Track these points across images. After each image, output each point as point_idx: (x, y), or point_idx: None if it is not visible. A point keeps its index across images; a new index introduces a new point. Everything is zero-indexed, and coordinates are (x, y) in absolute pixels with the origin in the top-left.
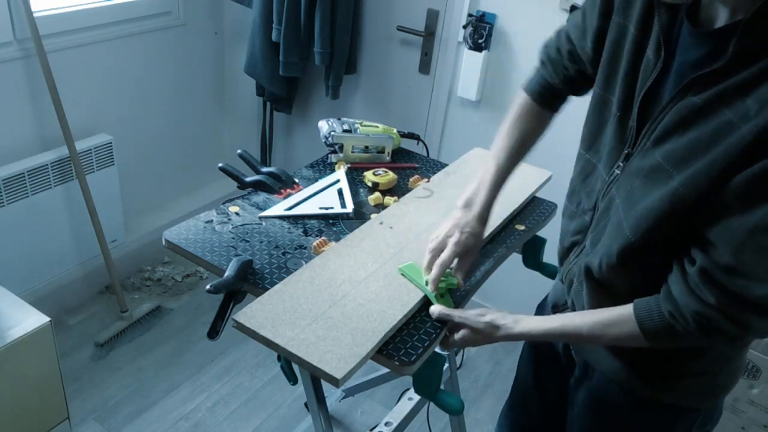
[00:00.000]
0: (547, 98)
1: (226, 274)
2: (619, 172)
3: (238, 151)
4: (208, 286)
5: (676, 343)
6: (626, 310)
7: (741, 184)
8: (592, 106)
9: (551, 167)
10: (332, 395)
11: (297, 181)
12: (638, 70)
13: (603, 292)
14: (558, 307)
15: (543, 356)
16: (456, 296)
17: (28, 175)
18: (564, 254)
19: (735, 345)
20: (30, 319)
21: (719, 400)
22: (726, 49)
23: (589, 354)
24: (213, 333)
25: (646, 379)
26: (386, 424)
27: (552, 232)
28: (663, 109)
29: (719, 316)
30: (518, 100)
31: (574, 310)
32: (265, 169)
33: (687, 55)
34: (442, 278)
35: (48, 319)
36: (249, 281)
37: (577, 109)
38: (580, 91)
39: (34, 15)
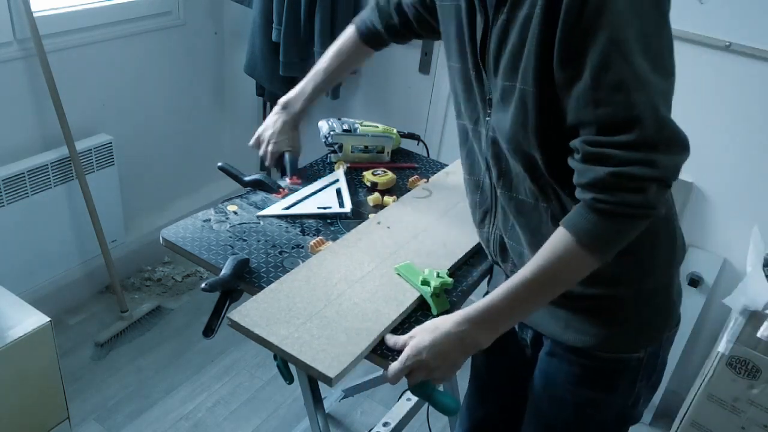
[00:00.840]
0: (370, 40)
1: (222, 272)
2: (489, 119)
3: (219, 164)
4: (203, 285)
5: (616, 236)
6: (558, 231)
7: (559, 51)
8: (453, 78)
9: None
10: (332, 395)
11: (282, 186)
12: (475, 31)
13: (532, 233)
14: None
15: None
16: (452, 296)
17: (28, 175)
18: (480, 226)
19: (665, 199)
20: (30, 319)
21: (657, 345)
22: None
23: (534, 321)
24: (208, 331)
25: (579, 332)
26: (384, 424)
27: None
28: (488, 42)
29: (629, 168)
30: (348, 31)
31: None
32: (248, 178)
33: None
34: (438, 278)
35: (48, 319)
36: (245, 280)
37: None
38: (402, 41)
39: (34, 15)
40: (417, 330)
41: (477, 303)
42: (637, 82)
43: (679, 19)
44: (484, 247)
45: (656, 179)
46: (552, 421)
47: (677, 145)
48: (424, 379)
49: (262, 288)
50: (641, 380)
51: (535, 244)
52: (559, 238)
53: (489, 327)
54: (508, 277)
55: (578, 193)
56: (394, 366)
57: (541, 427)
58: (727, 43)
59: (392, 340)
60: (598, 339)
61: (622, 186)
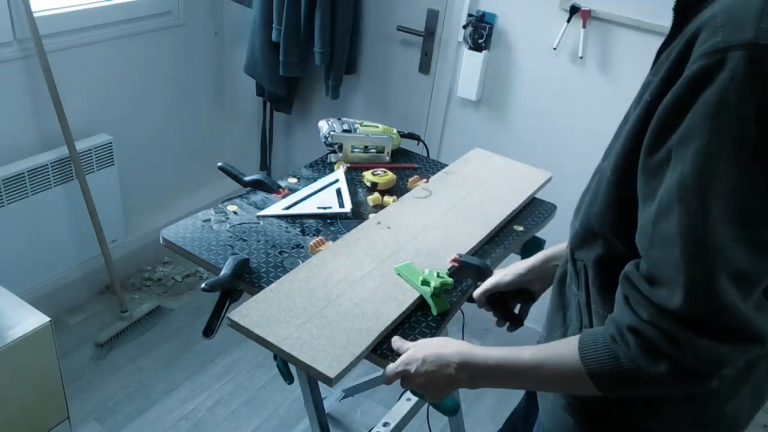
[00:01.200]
0: None
1: (222, 272)
2: None
3: (219, 164)
4: (202, 285)
5: (620, 382)
6: (573, 341)
7: (643, 161)
8: None
9: (551, 168)
10: (332, 395)
11: (282, 186)
12: None
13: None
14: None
15: None
16: (452, 296)
17: (28, 175)
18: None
19: (703, 393)
20: (30, 319)
21: None
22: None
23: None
24: (208, 331)
25: None
26: (384, 424)
27: (551, 234)
28: None
29: (654, 332)
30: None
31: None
32: (248, 178)
33: None
34: (438, 278)
35: (48, 319)
36: (245, 280)
37: (577, 110)
38: None
39: (34, 15)
40: (422, 342)
41: (486, 353)
42: (701, 244)
43: None
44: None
45: (675, 360)
46: None
47: (733, 334)
48: (412, 388)
49: (262, 288)
50: None
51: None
52: (570, 349)
53: (486, 383)
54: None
55: (607, 319)
56: (389, 368)
57: None
58: None
59: (397, 343)
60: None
61: (639, 344)
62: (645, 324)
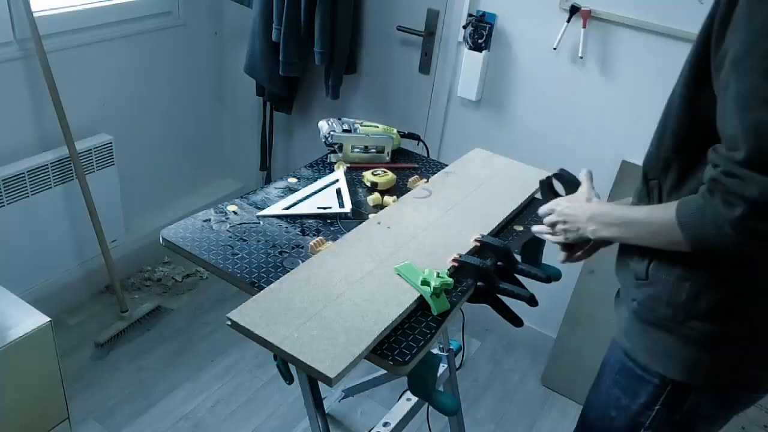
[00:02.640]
0: None
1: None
2: None
3: (556, 171)
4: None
5: (701, 229)
6: (672, 202)
7: (713, 61)
8: None
9: (551, 168)
10: (332, 395)
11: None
12: None
13: None
14: None
15: None
16: (452, 296)
17: (28, 175)
18: None
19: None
20: (30, 319)
21: (686, 387)
22: None
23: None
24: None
25: (622, 330)
26: (384, 424)
27: None
28: None
29: (727, 178)
30: None
31: None
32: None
33: None
34: (438, 278)
35: (48, 319)
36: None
37: (577, 110)
38: None
39: (34, 15)
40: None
41: (610, 206)
42: (752, 101)
43: (679, 19)
44: None
45: (746, 199)
46: (587, 402)
47: None
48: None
49: (262, 288)
50: (661, 408)
51: None
52: (670, 207)
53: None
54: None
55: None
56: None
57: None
58: None
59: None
60: (630, 341)
61: (718, 191)
62: (721, 173)
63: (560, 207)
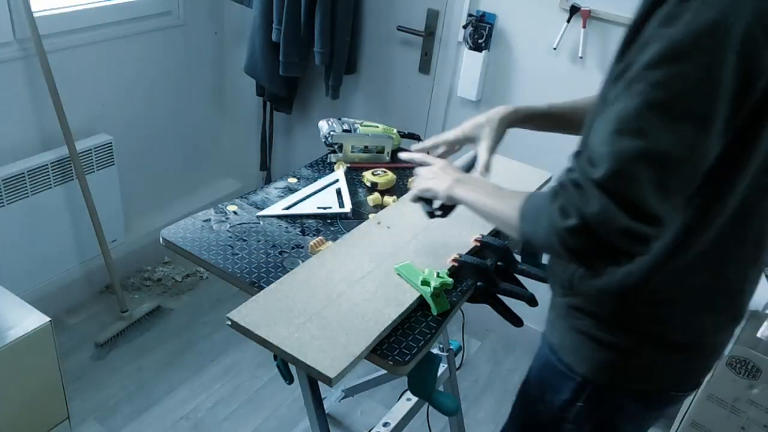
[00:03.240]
0: None
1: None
2: None
3: None
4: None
5: (538, 232)
6: (526, 194)
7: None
8: None
9: (551, 168)
10: (332, 395)
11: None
12: None
13: None
14: None
15: None
16: (452, 296)
17: (28, 175)
18: None
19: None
20: (30, 319)
21: (599, 393)
22: None
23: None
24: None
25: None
26: (384, 424)
27: None
28: None
29: (573, 187)
30: None
31: None
32: None
33: None
34: (438, 278)
35: (48, 319)
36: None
37: None
38: None
39: (34, 15)
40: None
41: (470, 177)
42: (629, 126)
43: None
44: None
45: (580, 212)
46: (518, 393)
47: (635, 211)
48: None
49: (262, 288)
50: (584, 404)
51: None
52: (523, 194)
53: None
54: None
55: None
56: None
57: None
58: None
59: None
60: (555, 338)
61: (561, 197)
62: (571, 181)
63: (436, 165)
